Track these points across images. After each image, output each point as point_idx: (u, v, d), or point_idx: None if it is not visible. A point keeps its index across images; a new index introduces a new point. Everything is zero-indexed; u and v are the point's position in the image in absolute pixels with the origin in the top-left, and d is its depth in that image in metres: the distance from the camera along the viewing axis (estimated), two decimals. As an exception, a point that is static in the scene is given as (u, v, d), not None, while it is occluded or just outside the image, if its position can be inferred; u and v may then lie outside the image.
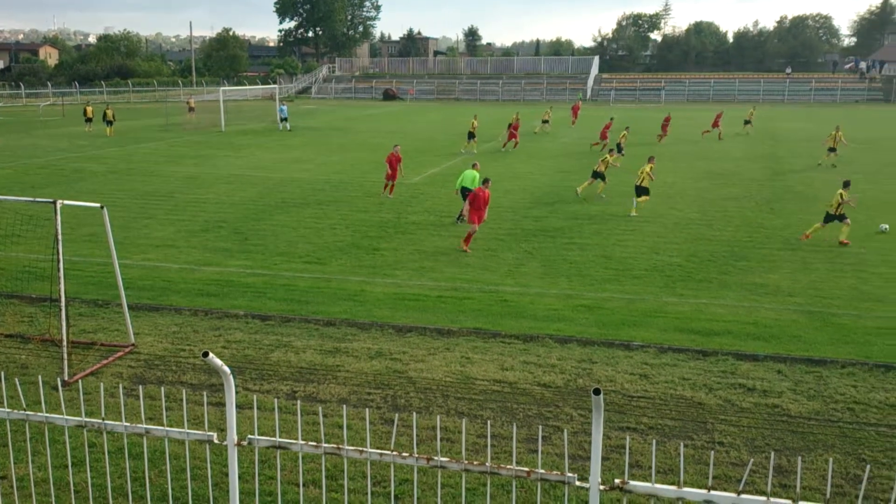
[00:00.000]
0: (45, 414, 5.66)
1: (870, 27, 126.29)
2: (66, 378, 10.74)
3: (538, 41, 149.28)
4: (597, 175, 26.45)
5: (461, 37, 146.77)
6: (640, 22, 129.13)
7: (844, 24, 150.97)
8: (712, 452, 5.39)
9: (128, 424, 5.45)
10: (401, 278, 16.63)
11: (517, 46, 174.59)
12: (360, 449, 4.90)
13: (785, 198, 26.05)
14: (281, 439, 5.10)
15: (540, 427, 6.87)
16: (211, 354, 4.67)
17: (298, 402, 6.21)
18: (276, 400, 6.73)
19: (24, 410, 5.64)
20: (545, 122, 51.93)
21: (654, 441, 5.01)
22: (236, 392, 10.32)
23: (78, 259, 17.61)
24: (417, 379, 11.22)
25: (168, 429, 5.38)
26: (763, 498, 3.96)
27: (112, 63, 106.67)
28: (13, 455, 8.27)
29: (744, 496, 4.01)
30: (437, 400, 10.54)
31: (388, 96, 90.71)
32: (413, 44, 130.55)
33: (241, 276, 16.77)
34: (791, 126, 52.46)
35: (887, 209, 23.96)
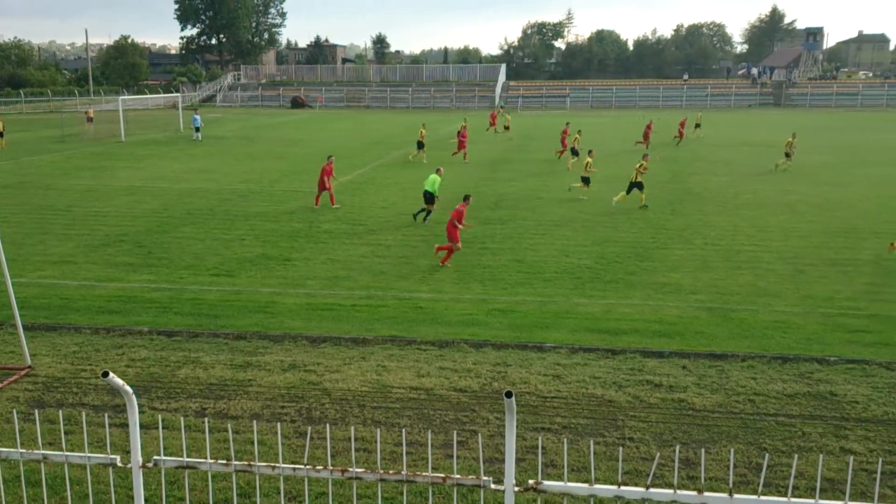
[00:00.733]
0: (-71, 445, 5.29)
1: (760, 34, 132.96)
2: (-45, 405, 10.10)
3: (446, 49, 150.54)
4: (585, 179, 27.58)
5: (369, 44, 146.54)
6: (545, 30, 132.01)
7: (737, 31, 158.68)
8: (621, 449, 5.53)
9: (24, 451, 5.15)
10: (313, 288, 16.41)
11: (426, 54, 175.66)
12: (273, 465, 4.79)
13: (685, 199, 27.05)
14: (189, 459, 4.94)
15: (455, 432, 6.88)
16: (111, 374, 4.47)
17: (207, 419, 6.02)
18: (182, 418, 6.51)
19: None
20: (506, 128, 52.64)
21: (565, 440, 5.08)
22: (142, 412, 9.95)
23: (-34, 279, 16.63)
24: (333, 390, 11.08)
25: (68, 453, 5.12)
26: (670, 491, 4.08)
27: (2, 72, 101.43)
28: None
29: (652, 490, 4.12)
30: (353, 410, 10.43)
31: (297, 104, 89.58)
32: (321, 51, 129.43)
33: (144, 291, 16.19)
34: (689, 131, 54.51)
35: (781, 209, 25.20)
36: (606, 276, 17.39)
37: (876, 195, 27.37)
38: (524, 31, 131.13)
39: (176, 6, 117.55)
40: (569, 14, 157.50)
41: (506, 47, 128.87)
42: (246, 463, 4.81)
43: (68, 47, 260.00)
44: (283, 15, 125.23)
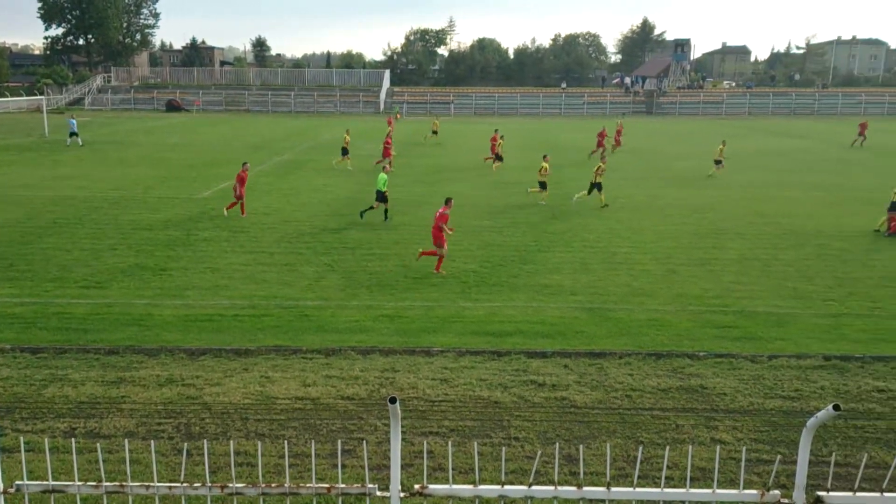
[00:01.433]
0: None
1: (632, 45, 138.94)
2: None
3: (329, 53, 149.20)
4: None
5: (249, 47, 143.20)
6: (428, 37, 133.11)
7: (611, 42, 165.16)
8: (504, 449, 5.62)
9: None
10: (192, 299, 15.83)
11: (308, 58, 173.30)
12: (147, 484, 4.56)
13: (566, 204, 27.87)
14: (55, 482, 4.63)
15: (340, 441, 6.78)
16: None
17: (73, 440, 5.67)
18: (48, 439, 6.11)
19: None
20: (434, 132, 52.81)
21: (450, 444, 5.10)
22: (3, 434, 9.30)
23: None
24: (213, 403, 10.71)
25: (-86, 485, 4.69)
26: (552, 488, 4.17)
27: None
28: None
29: (534, 488, 4.19)
30: (235, 424, 10.11)
31: (173, 107, 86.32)
32: (197, 53, 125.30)
33: (6, 306, 15.14)
34: (569, 137, 56.35)
35: (654, 212, 26.38)
36: (491, 279, 17.66)
37: (740, 198, 29.10)
38: (407, 38, 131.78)
39: (39, 4, 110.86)
40: (451, 22, 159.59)
41: (389, 53, 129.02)
42: (118, 484, 4.56)
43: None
44: (156, 15, 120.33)
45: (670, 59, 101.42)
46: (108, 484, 4.52)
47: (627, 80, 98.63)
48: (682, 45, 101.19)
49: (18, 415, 10.23)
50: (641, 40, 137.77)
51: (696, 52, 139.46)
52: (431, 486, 4.35)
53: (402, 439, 9.55)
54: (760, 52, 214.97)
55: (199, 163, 38.64)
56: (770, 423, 10.36)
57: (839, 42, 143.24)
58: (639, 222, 24.43)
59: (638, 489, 4.22)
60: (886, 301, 15.98)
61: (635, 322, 14.77)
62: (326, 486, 4.53)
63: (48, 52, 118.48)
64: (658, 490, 4.25)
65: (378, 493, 4.49)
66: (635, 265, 19.10)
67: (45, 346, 12.85)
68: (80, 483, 4.54)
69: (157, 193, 29.01)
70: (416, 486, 4.39)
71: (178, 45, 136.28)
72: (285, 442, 5.03)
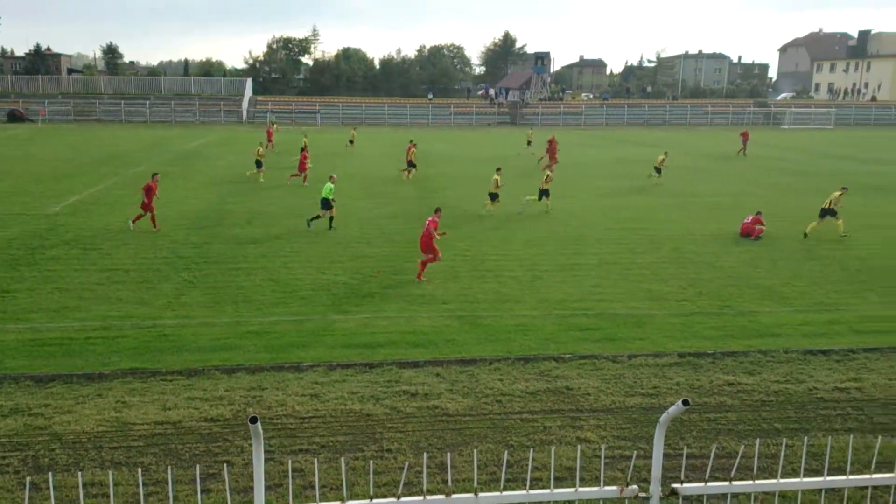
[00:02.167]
0: None
1: (495, 57, 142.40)
2: None
3: (187, 61, 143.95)
4: (494, 196, 27.79)
5: (99, 54, 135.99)
6: (291, 46, 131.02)
7: (475, 54, 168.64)
8: (371, 462, 5.52)
9: None
10: (38, 321, 14.74)
11: (164, 66, 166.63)
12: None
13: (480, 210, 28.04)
14: None
15: (198, 466, 6.47)
16: None
17: None
18: None
19: None
20: (351, 142, 52.34)
21: (316, 461, 4.96)
22: None
23: None
24: (64, 433, 9.99)
25: None
26: (420, 497, 4.13)
27: None
28: None
29: (403, 499, 4.14)
30: (88, 453, 9.47)
31: (15, 118, 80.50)
32: (42, 60, 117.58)
33: None
34: (438, 148, 57.01)
35: (519, 220, 27.04)
36: (362, 290, 17.52)
37: (599, 206, 30.37)
38: (270, 46, 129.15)
39: None
40: (314, 31, 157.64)
41: (251, 61, 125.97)
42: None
43: None
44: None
45: (532, 72, 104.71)
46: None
47: (492, 91, 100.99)
48: (542, 58, 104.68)
49: None
50: (504, 53, 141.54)
51: (556, 65, 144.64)
52: (297, 508, 4.21)
53: (271, 459, 9.26)
54: (615, 66, 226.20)
55: (47, 176, 36.20)
56: (631, 419, 10.80)
57: (687, 56, 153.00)
58: (506, 230, 24.97)
59: (505, 493, 4.26)
60: (733, 299, 17.08)
61: (504, 328, 15.05)
62: (185, 515, 4.30)
63: None
64: (524, 492, 4.30)
65: (241, 519, 4.30)
66: (503, 272, 19.49)
67: None
68: None
69: (0, 210, 26.94)
70: (282, 509, 4.24)
71: (20, 52, 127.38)
72: (139, 470, 4.70)
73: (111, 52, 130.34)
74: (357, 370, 12.48)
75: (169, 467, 4.73)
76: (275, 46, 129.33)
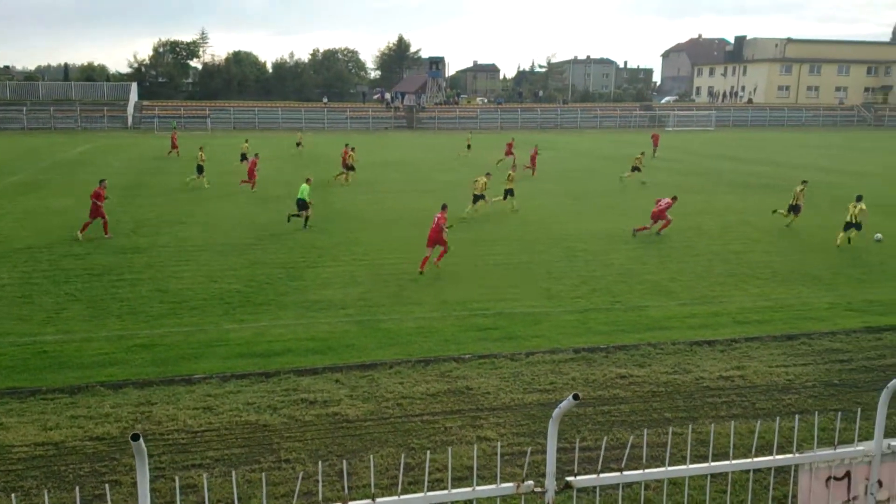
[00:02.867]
0: None
1: (390, 62, 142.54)
2: None
3: (67, 65, 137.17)
4: (477, 198, 28.46)
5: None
6: (178, 49, 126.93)
7: (370, 58, 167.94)
8: (263, 475, 5.37)
9: None
10: None
11: (42, 70, 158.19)
12: None
13: (334, 218, 27.76)
14: None
15: (78, 488, 6.13)
16: None
17: None
18: None
19: None
20: (298, 144, 53.58)
21: (205, 476, 4.77)
22: None
23: None
24: (-69, 462, 9.26)
25: None
26: (315, 509, 4.03)
27: None
28: None
29: (298, 512, 4.03)
30: (-41, 482, 8.81)
31: None
32: None
33: None
34: (333, 152, 56.51)
35: (418, 223, 27.08)
36: (258, 298, 17.10)
37: (499, 207, 30.72)
38: (156, 50, 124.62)
39: None
40: (203, 34, 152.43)
41: (136, 65, 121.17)
42: None
43: None
44: None
45: (427, 76, 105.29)
46: None
47: (388, 95, 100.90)
48: (437, 63, 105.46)
49: None
50: (399, 57, 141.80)
51: (451, 70, 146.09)
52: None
53: (161, 476, 8.88)
54: (508, 71, 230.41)
55: None
56: (529, 416, 10.97)
57: (576, 62, 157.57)
58: (403, 233, 24.94)
59: (403, 496, 4.21)
60: (624, 295, 17.64)
61: (404, 330, 15.01)
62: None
63: None
64: (421, 495, 4.26)
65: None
66: (402, 275, 19.45)
67: None
68: None
69: None
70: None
71: None
72: (13, 496, 4.38)
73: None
74: (253, 380, 12.16)
75: (46, 491, 4.43)
76: (161, 50, 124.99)
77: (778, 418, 7.03)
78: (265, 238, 23.90)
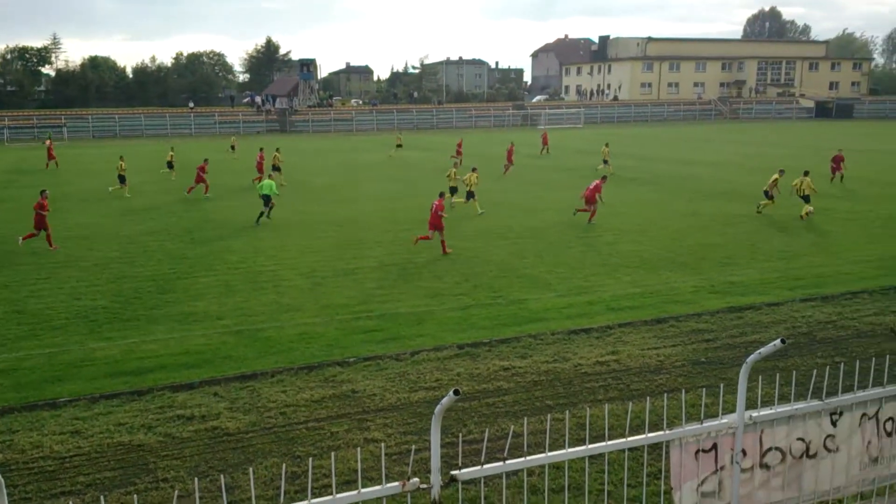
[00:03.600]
0: None
1: (259, 65, 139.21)
2: None
3: None
4: (456, 190, 30.39)
5: None
6: (28, 56, 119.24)
7: (237, 61, 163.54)
8: (136, 496, 5.10)
9: None
10: None
11: None
12: None
13: (204, 227, 26.86)
14: None
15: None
16: None
17: None
18: None
19: None
20: (232, 148, 54.86)
21: (70, 501, 4.47)
22: None
23: None
24: None
25: None
26: (191, 527, 3.86)
27: None
28: None
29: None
30: None
31: None
32: None
33: None
34: (197, 157, 54.71)
35: (297, 228, 26.59)
36: (126, 314, 16.28)
37: (375, 209, 30.65)
38: (3, 56, 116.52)
39: None
40: (55, 39, 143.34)
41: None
42: None
43: None
44: None
45: (298, 79, 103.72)
46: None
47: (258, 99, 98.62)
48: (308, 65, 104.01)
49: None
50: (268, 60, 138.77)
51: (323, 72, 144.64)
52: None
53: (27, 509, 8.28)
54: (382, 72, 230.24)
55: None
56: (416, 414, 10.98)
57: (448, 62, 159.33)
58: (282, 239, 24.45)
59: (284, 507, 4.08)
60: (504, 290, 17.98)
61: (285, 338, 14.69)
62: None
63: None
64: (304, 503, 4.15)
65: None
66: (282, 282, 19.04)
67: None
68: None
69: None
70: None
71: None
72: None
73: None
74: (124, 399, 11.55)
75: None
76: (9, 57, 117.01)
77: (649, 398, 7.33)
78: (131, 250, 22.80)
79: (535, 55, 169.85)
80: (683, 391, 7.11)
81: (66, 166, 48.49)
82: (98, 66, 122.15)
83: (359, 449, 5.56)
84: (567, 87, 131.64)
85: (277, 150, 42.16)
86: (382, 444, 5.40)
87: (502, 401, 11.47)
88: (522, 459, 5.27)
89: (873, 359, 6.99)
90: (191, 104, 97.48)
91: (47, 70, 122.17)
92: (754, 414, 6.16)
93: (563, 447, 5.60)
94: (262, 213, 27.40)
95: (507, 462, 5.08)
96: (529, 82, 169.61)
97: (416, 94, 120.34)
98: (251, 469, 5.04)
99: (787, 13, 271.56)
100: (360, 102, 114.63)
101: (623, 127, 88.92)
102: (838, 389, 6.51)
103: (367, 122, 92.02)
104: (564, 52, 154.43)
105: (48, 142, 52.45)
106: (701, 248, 22.28)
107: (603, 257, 21.25)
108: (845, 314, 15.51)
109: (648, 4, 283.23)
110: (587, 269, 19.93)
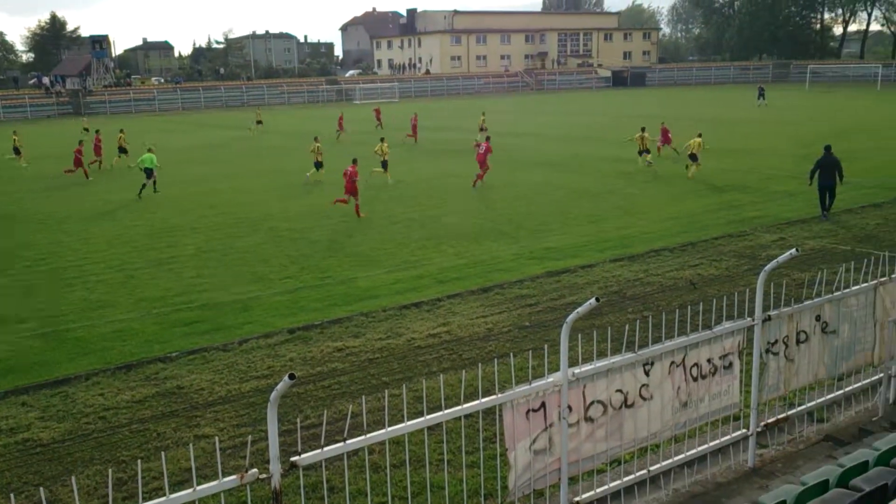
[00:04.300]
0: None
1: (44, 43, 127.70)
2: None
3: None
4: (319, 165, 30.76)
5: None
6: None
7: (18, 39, 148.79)
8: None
9: None
10: None
11: None
12: None
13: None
14: None
15: None
16: None
17: None
18: None
19: None
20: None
21: None
22: None
23: None
24: None
25: None
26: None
27: None
28: None
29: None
30: None
31: None
32: None
33: None
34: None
35: (101, 218, 24.83)
36: None
37: (190, 192, 29.20)
38: None
39: None
40: None
41: None
42: None
43: None
44: None
45: (91, 57, 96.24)
46: None
47: (46, 80, 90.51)
48: (100, 42, 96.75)
49: None
50: (54, 37, 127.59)
51: (118, 49, 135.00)
52: None
53: None
54: (184, 48, 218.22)
55: None
56: (249, 405, 10.70)
57: (255, 37, 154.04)
58: (87, 231, 22.76)
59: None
60: (333, 270, 17.83)
61: (99, 337, 13.76)
62: None
63: None
64: (137, 512, 3.94)
65: None
66: (90, 277, 17.77)
67: None
68: None
69: None
70: None
71: None
72: None
73: None
74: (-86, 421, 10.35)
75: None
76: None
77: (481, 365, 7.61)
78: None
79: (344, 28, 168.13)
80: (511, 355, 7.43)
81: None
82: None
83: (190, 446, 5.35)
84: (379, 62, 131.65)
85: (121, 130, 40.34)
86: (216, 439, 5.23)
87: (338, 382, 11.43)
88: (363, 438, 5.30)
89: (677, 310, 7.66)
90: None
91: None
92: (577, 371, 6.57)
93: (401, 422, 5.69)
94: (143, 186, 28.25)
95: (348, 442, 5.09)
96: (341, 56, 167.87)
97: (222, 71, 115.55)
98: (73, 479, 4.69)
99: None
100: (162, 81, 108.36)
101: (437, 101, 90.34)
102: (649, 341, 7.06)
103: (171, 101, 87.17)
104: (374, 26, 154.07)
105: None
106: (518, 216, 23.24)
107: (427, 231, 21.61)
108: (650, 271, 16.83)
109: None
110: (413, 243, 20.20)
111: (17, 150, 39.67)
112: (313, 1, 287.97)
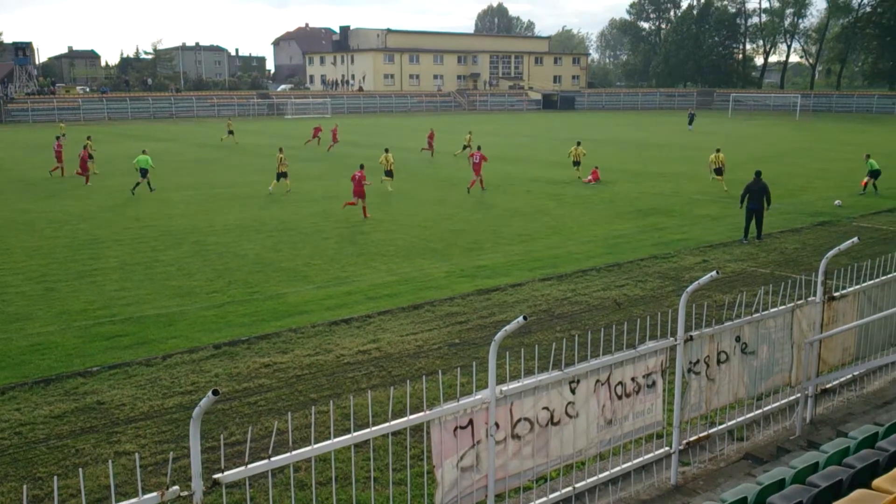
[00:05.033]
0: None
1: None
2: None
3: None
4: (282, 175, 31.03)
5: None
6: None
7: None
8: None
9: None
10: None
11: None
12: None
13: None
14: None
15: None
16: None
17: None
18: None
19: None
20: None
21: None
22: None
23: None
24: None
25: None
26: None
27: None
28: None
29: None
30: None
31: None
32: None
33: None
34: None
35: (20, 228, 23.92)
36: None
37: (112, 204, 28.42)
38: None
39: None
40: None
41: None
42: None
43: None
44: None
45: (13, 64, 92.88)
46: None
47: None
48: (24, 49, 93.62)
49: None
50: None
51: (42, 57, 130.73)
52: None
53: None
54: (110, 57, 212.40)
55: None
56: (172, 421, 10.46)
57: (185, 48, 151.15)
58: (4, 242, 21.88)
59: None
60: (261, 285, 17.60)
61: (15, 350, 13.24)
62: None
63: None
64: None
65: None
66: (6, 288, 17.11)
67: None
68: None
69: None
70: None
71: None
72: None
73: None
74: None
75: None
76: None
77: (410, 382, 7.63)
78: None
79: (276, 43, 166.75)
80: (440, 372, 7.49)
81: None
82: None
83: (110, 462, 5.22)
84: (312, 77, 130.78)
85: (88, 137, 41.05)
86: (137, 455, 5.13)
87: (265, 398, 11.28)
88: (288, 455, 5.27)
89: (602, 329, 7.85)
90: None
91: None
92: (504, 388, 6.68)
93: (328, 438, 5.68)
94: (137, 184, 30.38)
95: (273, 459, 5.06)
96: (273, 71, 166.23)
97: (150, 82, 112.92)
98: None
99: (513, 9, 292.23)
100: (87, 90, 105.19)
101: (370, 118, 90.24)
102: (575, 359, 7.23)
103: (96, 110, 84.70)
104: (307, 41, 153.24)
105: None
106: (450, 234, 23.40)
107: (359, 247, 21.56)
108: (578, 290, 17.17)
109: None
110: (344, 259, 20.12)
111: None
112: (246, 15, 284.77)
